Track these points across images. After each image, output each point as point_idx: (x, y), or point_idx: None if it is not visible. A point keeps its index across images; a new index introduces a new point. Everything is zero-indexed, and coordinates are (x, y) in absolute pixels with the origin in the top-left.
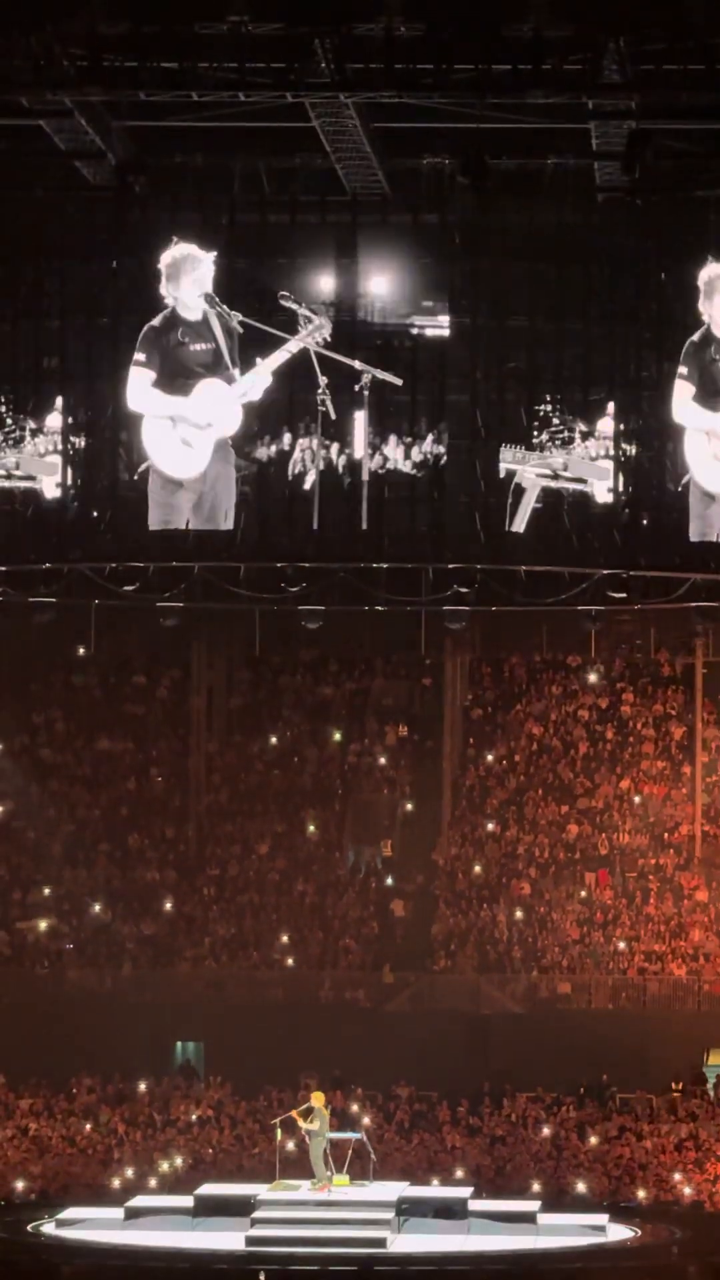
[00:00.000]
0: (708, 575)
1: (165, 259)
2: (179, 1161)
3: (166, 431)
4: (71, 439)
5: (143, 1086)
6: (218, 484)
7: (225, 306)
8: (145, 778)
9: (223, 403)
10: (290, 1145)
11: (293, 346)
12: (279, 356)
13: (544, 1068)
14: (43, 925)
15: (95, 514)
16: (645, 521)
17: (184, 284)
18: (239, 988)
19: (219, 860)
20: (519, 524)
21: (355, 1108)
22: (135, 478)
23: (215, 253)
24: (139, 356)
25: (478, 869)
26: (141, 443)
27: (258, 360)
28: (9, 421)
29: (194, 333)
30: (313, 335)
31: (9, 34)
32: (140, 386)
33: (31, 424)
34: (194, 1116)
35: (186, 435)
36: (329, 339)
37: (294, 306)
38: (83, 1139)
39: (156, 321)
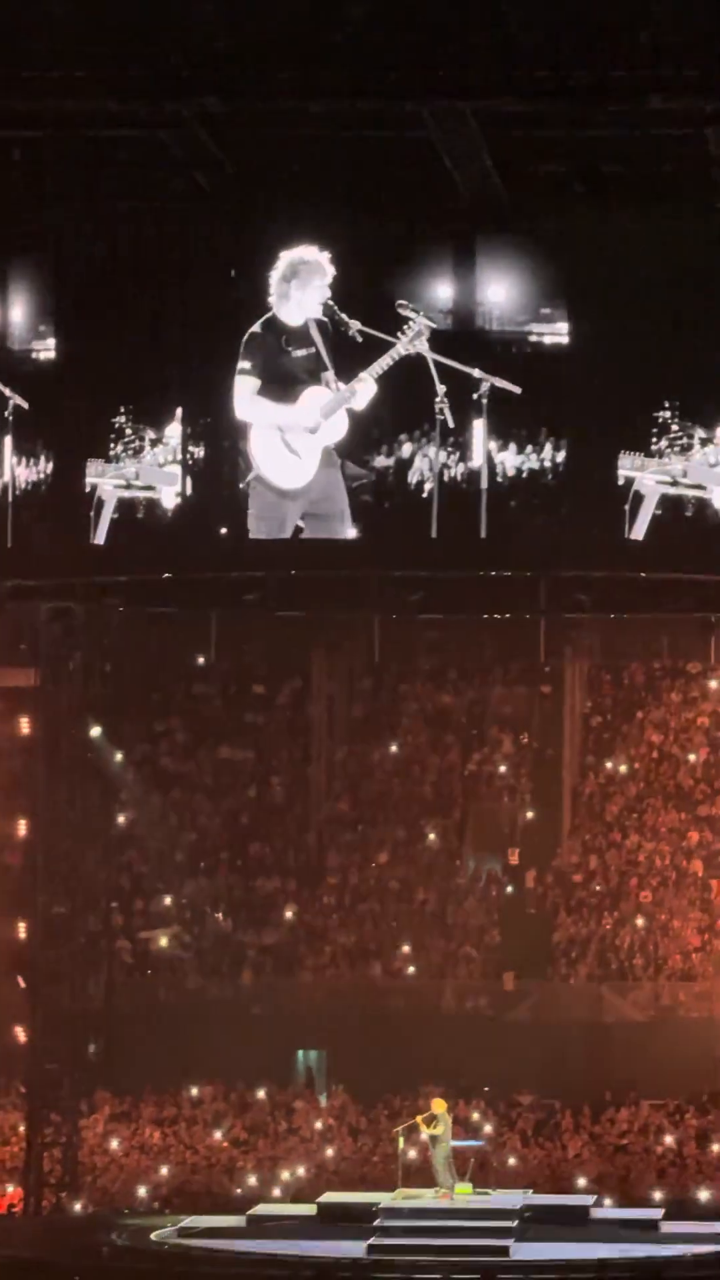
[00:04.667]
0: None
1: (281, 263)
2: (301, 1170)
3: (274, 440)
4: (190, 448)
5: (264, 1095)
6: (328, 491)
7: (344, 315)
8: (266, 786)
9: (329, 409)
10: (412, 1154)
11: (395, 353)
12: (384, 363)
13: (666, 1075)
14: (164, 941)
15: (214, 523)
16: None
17: (295, 288)
18: (360, 996)
19: (339, 869)
20: (638, 531)
21: (476, 1116)
22: (243, 486)
23: (329, 254)
24: (244, 364)
25: (598, 877)
26: (249, 452)
27: (361, 370)
28: (129, 432)
29: (295, 339)
30: (413, 342)
31: (127, 44)
32: (246, 395)
33: (151, 434)
34: (316, 1125)
35: (293, 443)
36: (427, 346)
37: (411, 315)
38: (205, 1147)
39: (257, 328)
